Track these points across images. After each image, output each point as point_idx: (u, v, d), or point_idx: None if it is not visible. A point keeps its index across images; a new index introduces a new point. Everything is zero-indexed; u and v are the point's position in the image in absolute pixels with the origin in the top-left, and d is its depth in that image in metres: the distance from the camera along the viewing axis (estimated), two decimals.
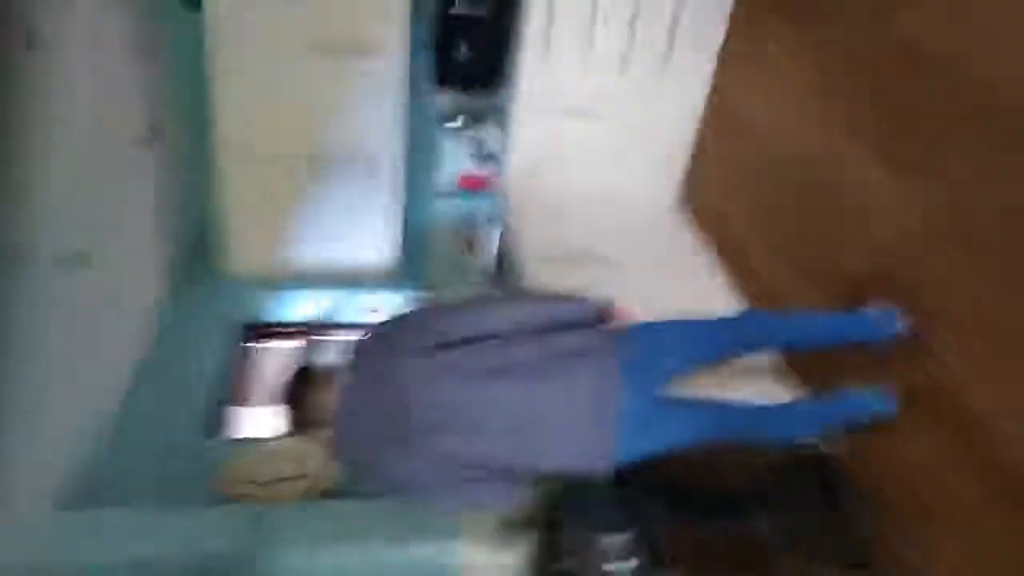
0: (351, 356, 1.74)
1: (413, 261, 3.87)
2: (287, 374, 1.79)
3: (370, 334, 1.77)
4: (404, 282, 3.84)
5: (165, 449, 2.67)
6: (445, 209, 3.80)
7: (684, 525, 1.91)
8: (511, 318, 1.67)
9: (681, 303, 1.99)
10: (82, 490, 2.43)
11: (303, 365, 1.81)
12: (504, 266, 3.24)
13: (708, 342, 2.01)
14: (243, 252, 3.68)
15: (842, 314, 2.21)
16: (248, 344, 3.71)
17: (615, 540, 1.85)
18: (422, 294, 3.77)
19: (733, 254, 3.00)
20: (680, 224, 3.35)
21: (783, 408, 2.14)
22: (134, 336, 3.15)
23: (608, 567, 1.81)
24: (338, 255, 3.81)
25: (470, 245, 3.37)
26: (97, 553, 2.07)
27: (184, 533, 2.13)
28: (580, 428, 1.60)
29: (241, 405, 3.37)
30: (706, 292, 2.85)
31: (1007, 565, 1.70)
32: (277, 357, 3.75)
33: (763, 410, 2.03)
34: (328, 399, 1.67)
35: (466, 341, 1.63)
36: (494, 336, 1.64)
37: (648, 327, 1.83)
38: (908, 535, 1.91)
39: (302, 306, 3.82)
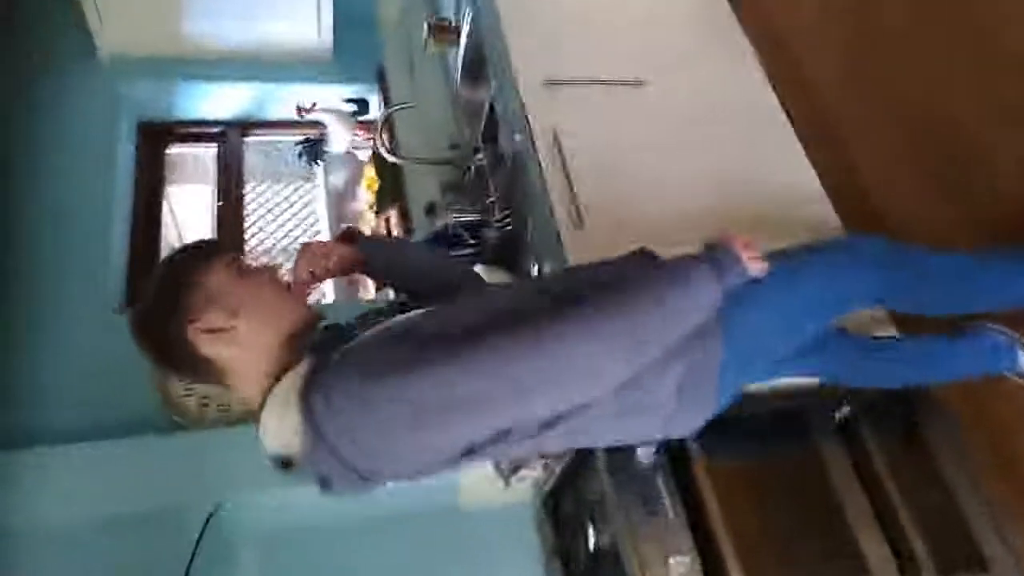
0: None
1: (355, 46, 2.95)
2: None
3: None
4: (343, 72, 2.97)
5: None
6: None
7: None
8: None
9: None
10: None
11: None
12: (476, 71, 2.42)
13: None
14: (125, 24, 2.69)
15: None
16: (151, 148, 2.91)
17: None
18: (365, 90, 2.94)
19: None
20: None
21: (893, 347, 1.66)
22: None
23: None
24: (254, 33, 2.85)
25: (435, 30, 2.49)
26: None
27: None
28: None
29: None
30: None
31: None
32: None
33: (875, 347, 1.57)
34: None
35: None
36: None
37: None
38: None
39: (211, 101, 2.95)
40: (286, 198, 3.31)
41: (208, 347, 1.01)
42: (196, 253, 1.07)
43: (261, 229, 3.23)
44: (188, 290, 1.02)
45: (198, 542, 1.66)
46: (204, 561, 1.68)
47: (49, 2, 2.71)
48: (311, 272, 1.18)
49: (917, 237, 1.90)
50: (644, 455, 1.48)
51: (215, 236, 2.85)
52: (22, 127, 2.51)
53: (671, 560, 1.38)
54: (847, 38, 2.17)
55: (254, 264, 1.11)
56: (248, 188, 3.09)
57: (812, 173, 2.07)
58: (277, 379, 1.00)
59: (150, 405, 1.98)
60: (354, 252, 1.24)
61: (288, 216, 3.32)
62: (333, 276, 1.24)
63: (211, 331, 1.01)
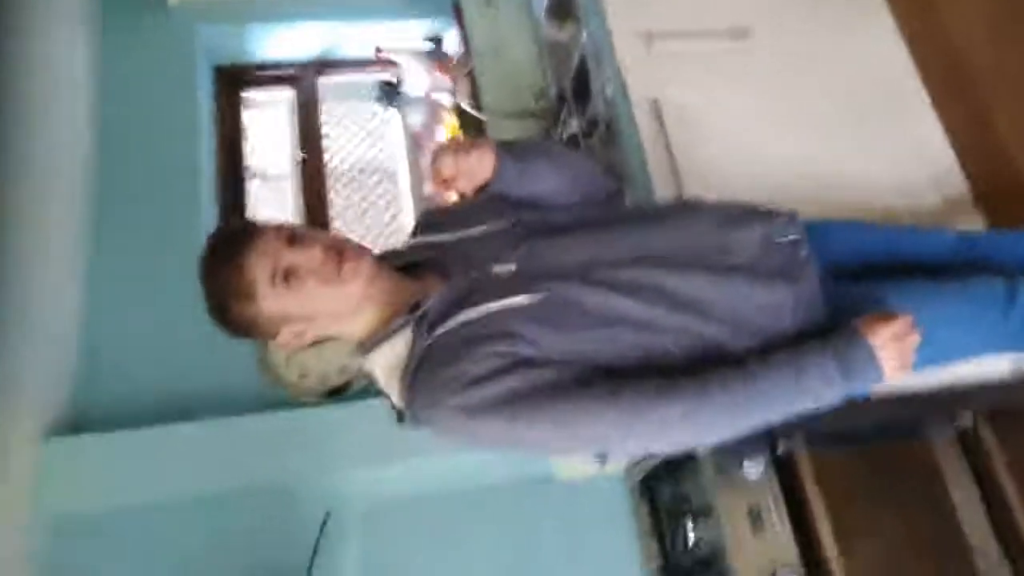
0: None
1: None
2: None
3: None
4: (420, 4, 2.80)
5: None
6: None
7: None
8: None
9: None
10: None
11: None
12: (565, 5, 2.22)
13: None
14: None
15: None
16: (230, 94, 2.87)
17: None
18: (441, 27, 2.77)
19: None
20: None
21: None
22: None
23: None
24: None
25: None
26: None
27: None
28: None
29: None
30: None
31: None
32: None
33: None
34: None
35: None
36: None
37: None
38: None
39: (285, 43, 2.85)
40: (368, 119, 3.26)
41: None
42: (241, 242, 1.01)
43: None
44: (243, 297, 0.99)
45: (322, 529, 1.74)
46: (309, 535, 1.77)
47: None
48: (445, 180, 1.10)
49: None
50: (751, 470, 1.45)
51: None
52: (98, 80, 2.48)
53: (778, 574, 1.37)
54: None
55: (307, 234, 1.04)
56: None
57: (942, 134, 1.88)
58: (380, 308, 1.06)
59: (247, 381, 2.02)
60: (493, 162, 1.11)
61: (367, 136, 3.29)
62: (471, 186, 1.13)
63: (293, 337, 1.05)
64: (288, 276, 0.99)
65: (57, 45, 2.24)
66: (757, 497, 1.46)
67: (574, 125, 2.13)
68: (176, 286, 1.98)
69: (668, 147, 1.75)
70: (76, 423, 1.89)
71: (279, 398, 2.02)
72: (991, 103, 1.87)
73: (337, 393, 2.04)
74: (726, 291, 1.09)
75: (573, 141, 2.15)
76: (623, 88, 1.84)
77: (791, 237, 1.18)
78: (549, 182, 1.21)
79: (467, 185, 1.11)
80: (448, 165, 1.08)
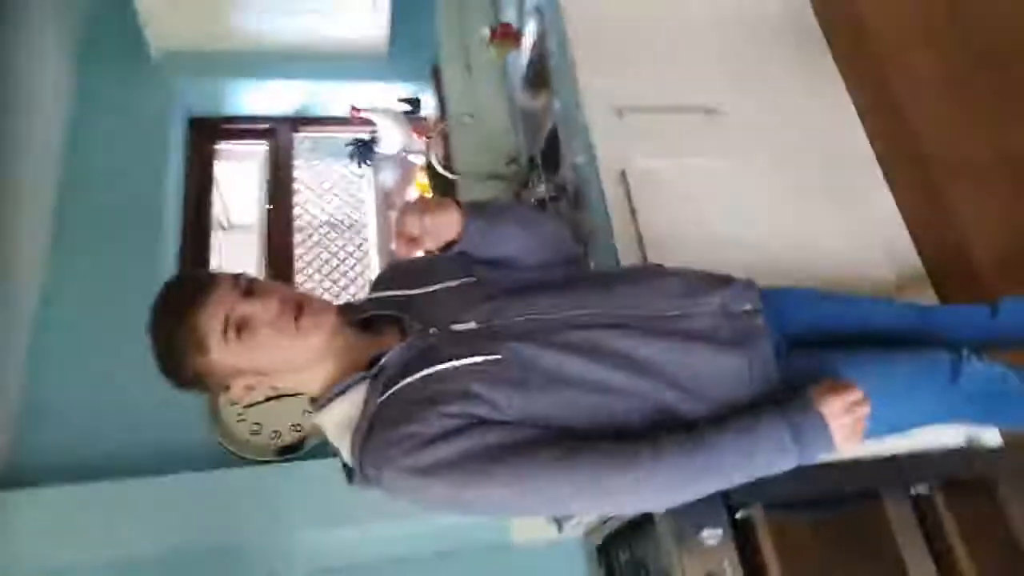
0: None
1: (411, 43, 2.84)
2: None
3: None
4: (397, 69, 2.87)
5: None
6: None
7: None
8: None
9: None
10: None
11: None
12: (541, 76, 2.31)
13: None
14: (176, 20, 2.62)
15: None
16: (203, 145, 2.88)
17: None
18: (418, 89, 2.84)
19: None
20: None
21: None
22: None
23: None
24: (306, 28, 2.76)
25: (497, 36, 2.37)
26: None
27: None
28: None
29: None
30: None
31: None
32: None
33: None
34: None
35: None
36: None
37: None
38: None
39: (263, 98, 2.89)
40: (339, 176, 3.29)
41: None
42: (195, 291, 0.97)
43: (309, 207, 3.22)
44: (193, 351, 0.97)
45: None
46: None
47: None
48: (411, 238, 1.07)
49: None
50: (710, 537, 1.43)
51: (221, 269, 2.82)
52: (74, 124, 2.48)
53: None
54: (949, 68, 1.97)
55: (261, 285, 1.01)
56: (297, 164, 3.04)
57: (895, 210, 1.96)
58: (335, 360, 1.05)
59: (198, 437, 1.96)
60: (460, 222, 1.11)
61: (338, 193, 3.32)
62: (436, 244, 1.11)
63: (244, 391, 1.03)
64: (240, 328, 0.96)
65: (39, 83, 2.25)
66: (715, 564, 1.43)
67: (542, 189, 2.18)
68: (128, 336, 1.96)
69: (633, 215, 1.80)
70: (14, 477, 1.80)
71: (230, 455, 1.96)
72: (943, 181, 1.95)
73: (290, 451, 1.99)
74: (687, 357, 1.09)
75: (541, 204, 2.19)
76: (593, 157, 1.89)
77: (748, 306, 1.20)
78: (515, 243, 1.21)
79: (432, 244, 1.10)
80: (414, 224, 1.06)
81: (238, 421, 2.02)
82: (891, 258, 1.89)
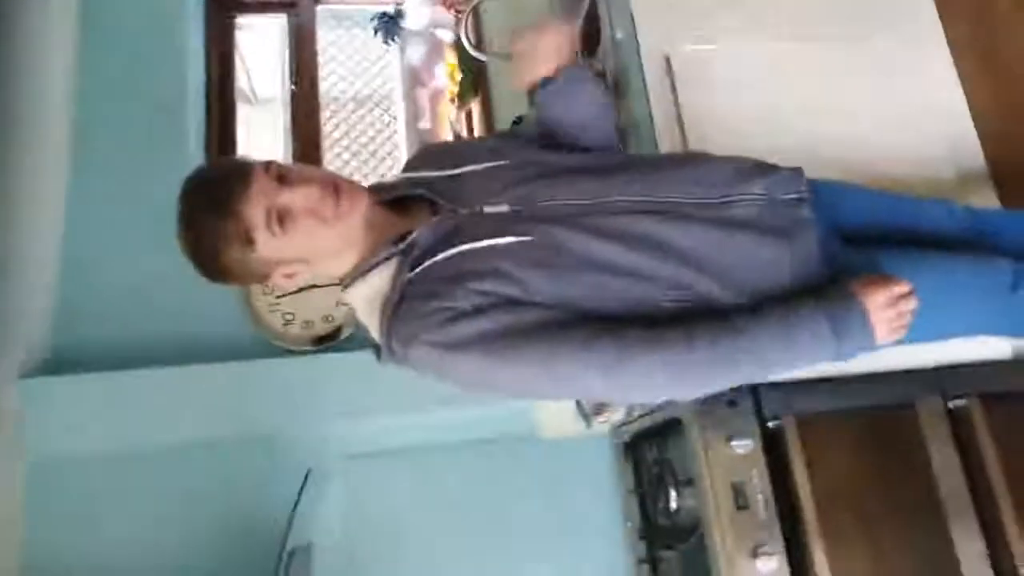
0: None
1: None
2: None
3: None
4: None
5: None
6: None
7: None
8: None
9: None
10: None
11: None
12: None
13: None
14: None
15: None
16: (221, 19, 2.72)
17: None
18: None
19: None
20: None
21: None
22: None
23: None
24: None
25: None
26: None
27: None
28: None
29: None
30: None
31: None
32: None
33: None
34: None
35: None
36: None
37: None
38: None
39: None
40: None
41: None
42: (233, 185, 0.96)
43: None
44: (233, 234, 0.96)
45: (304, 485, 1.72)
46: (289, 486, 1.74)
47: None
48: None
49: None
50: (740, 447, 1.43)
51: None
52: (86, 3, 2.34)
53: (759, 558, 1.37)
54: None
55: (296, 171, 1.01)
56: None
57: (965, 105, 1.80)
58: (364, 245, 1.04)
59: (231, 327, 1.97)
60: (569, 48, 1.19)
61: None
62: (531, 74, 1.18)
63: (284, 279, 1.04)
64: (283, 218, 0.96)
65: None
66: (743, 474, 1.44)
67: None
68: (159, 223, 1.93)
69: (675, 100, 1.68)
70: (52, 364, 1.83)
71: (266, 346, 1.98)
72: (1020, 80, 1.77)
73: (322, 342, 2.00)
74: (725, 245, 1.06)
75: None
76: (634, 35, 1.75)
77: (794, 194, 1.14)
78: (581, 113, 1.22)
79: (528, 68, 1.15)
80: (528, 40, 1.12)
81: (270, 311, 2.03)
82: (954, 156, 1.76)
